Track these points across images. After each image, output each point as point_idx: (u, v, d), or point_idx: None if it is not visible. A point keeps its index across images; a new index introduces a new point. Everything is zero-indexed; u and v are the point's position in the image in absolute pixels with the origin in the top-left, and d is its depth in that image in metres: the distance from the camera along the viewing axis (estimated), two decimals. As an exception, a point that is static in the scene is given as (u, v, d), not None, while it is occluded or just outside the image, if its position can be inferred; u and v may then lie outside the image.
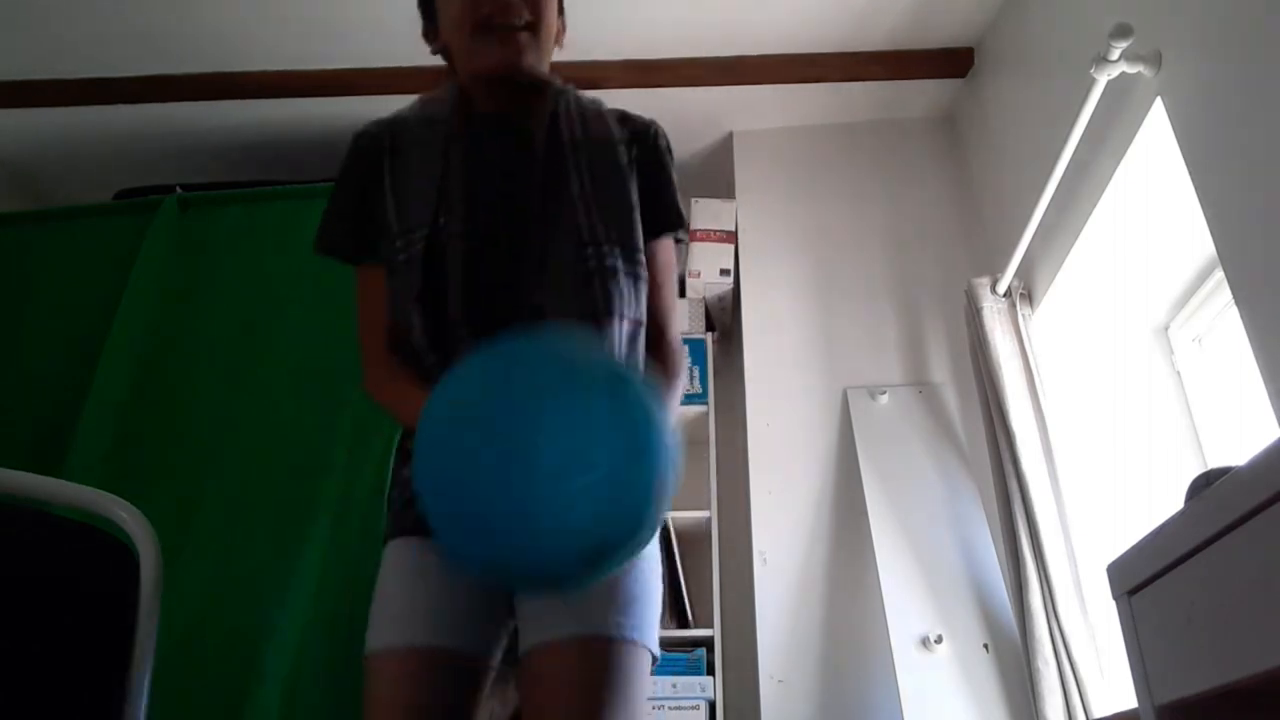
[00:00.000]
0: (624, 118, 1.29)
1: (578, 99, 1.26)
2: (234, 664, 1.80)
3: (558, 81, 1.25)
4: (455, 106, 1.19)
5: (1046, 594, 2.00)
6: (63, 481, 1.15)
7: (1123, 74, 1.79)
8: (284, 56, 2.66)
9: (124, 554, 1.04)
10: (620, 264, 1.12)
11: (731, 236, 2.88)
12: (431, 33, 1.25)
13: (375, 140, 1.23)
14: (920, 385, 2.58)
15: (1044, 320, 2.32)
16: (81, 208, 2.76)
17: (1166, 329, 2.24)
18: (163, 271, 2.41)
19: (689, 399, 2.66)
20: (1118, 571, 1.09)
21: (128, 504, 1.09)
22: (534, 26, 1.14)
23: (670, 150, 1.28)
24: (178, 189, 2.62)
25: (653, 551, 1.08)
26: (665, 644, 2.45)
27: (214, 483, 2.06)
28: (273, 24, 2.53)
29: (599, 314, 1.09)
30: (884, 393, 2.54)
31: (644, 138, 1.26)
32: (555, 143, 1.18)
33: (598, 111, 1.28)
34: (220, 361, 2.24)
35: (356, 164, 1.22)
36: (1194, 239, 1.90)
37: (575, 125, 1.21)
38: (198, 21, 2.55)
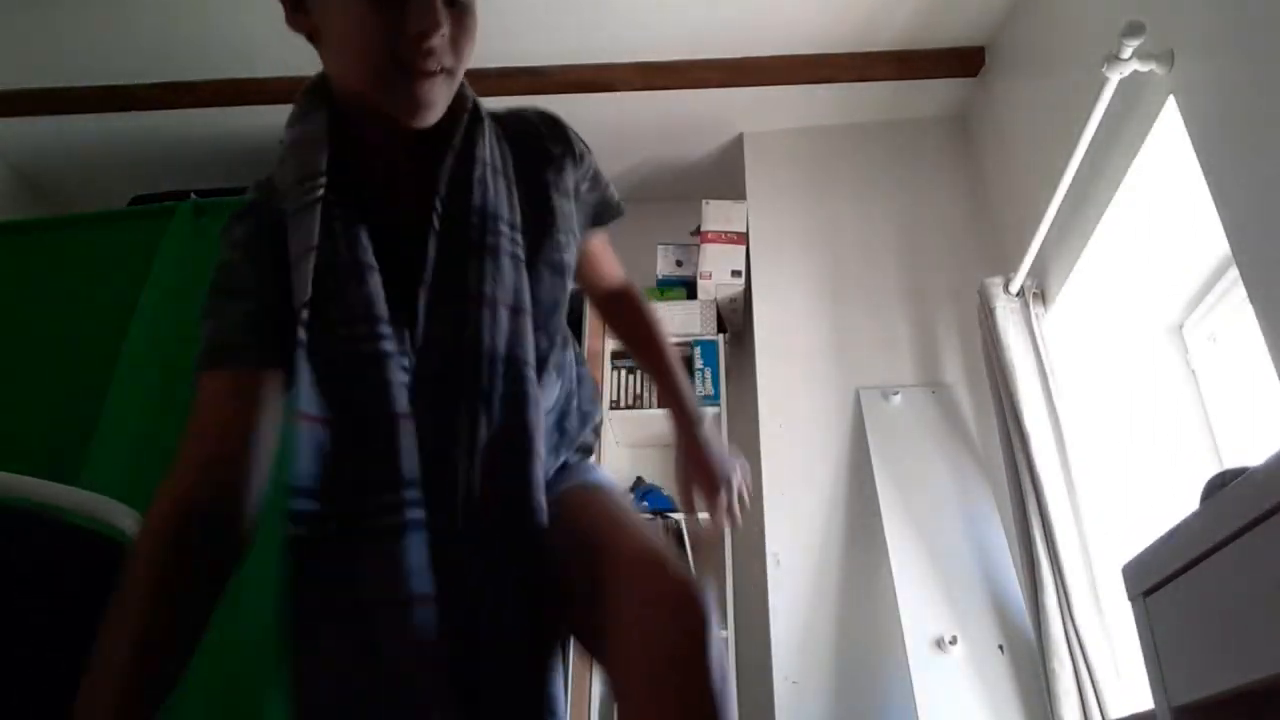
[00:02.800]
0: (543, 138, 1.04)
1: (494, 136, 1.02)
2: (249, 668, 1.81)
3: (466, 106, 0.99)
4: (330, 154, 0.92)
5: (1061, 595, 1.99)
6: (70, 488, 1.15)
7: (1135, 72, 1.79)
8: (297, 63, 2.67)
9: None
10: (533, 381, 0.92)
11: (742, 238, 2.88)
12: (298, 18, 0.97)
13: (255, 230, 0.94)
14: (933, 385, 2.57)
15: (1057, 319, 2.31)
16: (97, 214, 2.78)
17: (1181, 327, 2.23)
18: (178, 277, 2.42)
19: (702, 400, 2.66)
20: (1133, 572, 1.09)
21: (133, 511, 1.09)
22: (453, 72, 0.90)
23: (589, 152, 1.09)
24: (192, 195, 2.64)
25: None
26: (679, 645, 2.44)
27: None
28: (285, 32, 2.55)
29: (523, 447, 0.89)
30: (897, 393, 2.54)
31: (577, 159, 1.04)
32: (462, 219, 0.92)
33: (522, 142, 1.03)
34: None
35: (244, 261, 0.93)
36: (1208, 237, 1.90)
37: (489, 186, 0.95)
38: (211, 30, 2.58)
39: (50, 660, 0.86)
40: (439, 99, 0.89)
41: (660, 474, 2.76)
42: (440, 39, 0.85)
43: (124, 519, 1.09)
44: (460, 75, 0.93)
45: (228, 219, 0.96)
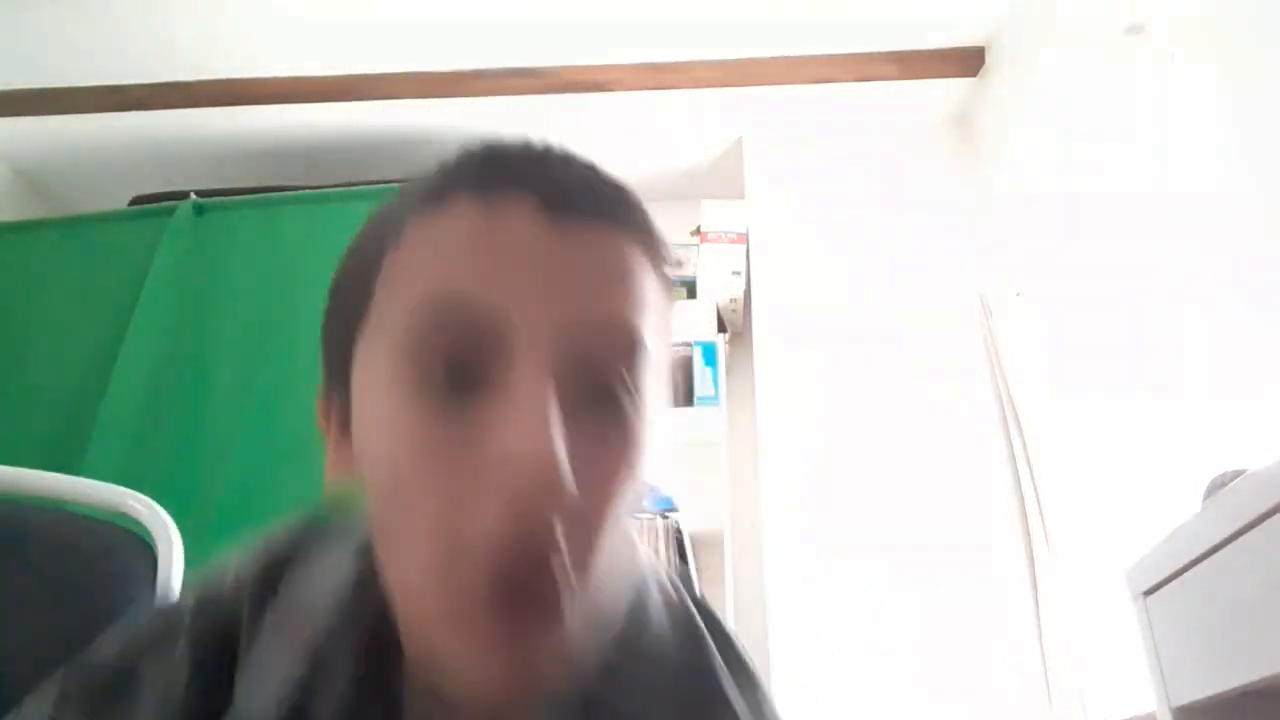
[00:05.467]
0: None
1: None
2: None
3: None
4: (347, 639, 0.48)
5: (1062, 595, 1.99)
6: (79, 478, 1.16)
7: (1135, 72, 1.79)
8: (297, 62, 2.67)
9: (141, 547, 1.01)
10: None
11: (742, 238, 2.88)
12: (337, 414, 0.51)
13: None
14: (933, 385, 2.57)
15: (1057, 320, 2.31)
16: (97, 214, 2.78)
17: (1182, 327, 2.23)
18: (178, 277, 2.42)
19: (702, 400, 2.66)
20: (1134, 572, 1.09)
21: (144, 497, 1.08)
22: (579, 581, 0.42)
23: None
24: (192, 195, 2.64)
25: None
26: (679, 646, 2.44)
27: (228, 486, 2.07)
28: (285, 30, 2.55)
29: None
30: (896, 393, 2.54)
31: None
32: None
33: None
34: (235, 365, 2.26)
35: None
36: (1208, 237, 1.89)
37: None
38: (211, 28, 2.57)
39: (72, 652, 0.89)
40: (535, 662, 0.41)
41: (660, 474, 2.75)
42: (554, 495, 0.39)
43: (135, 504, 1.09)
44: (594, 586, 0.42)
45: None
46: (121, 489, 1.12)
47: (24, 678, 0.91)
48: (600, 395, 0.42)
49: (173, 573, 1.01)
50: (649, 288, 0.46)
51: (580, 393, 0.42)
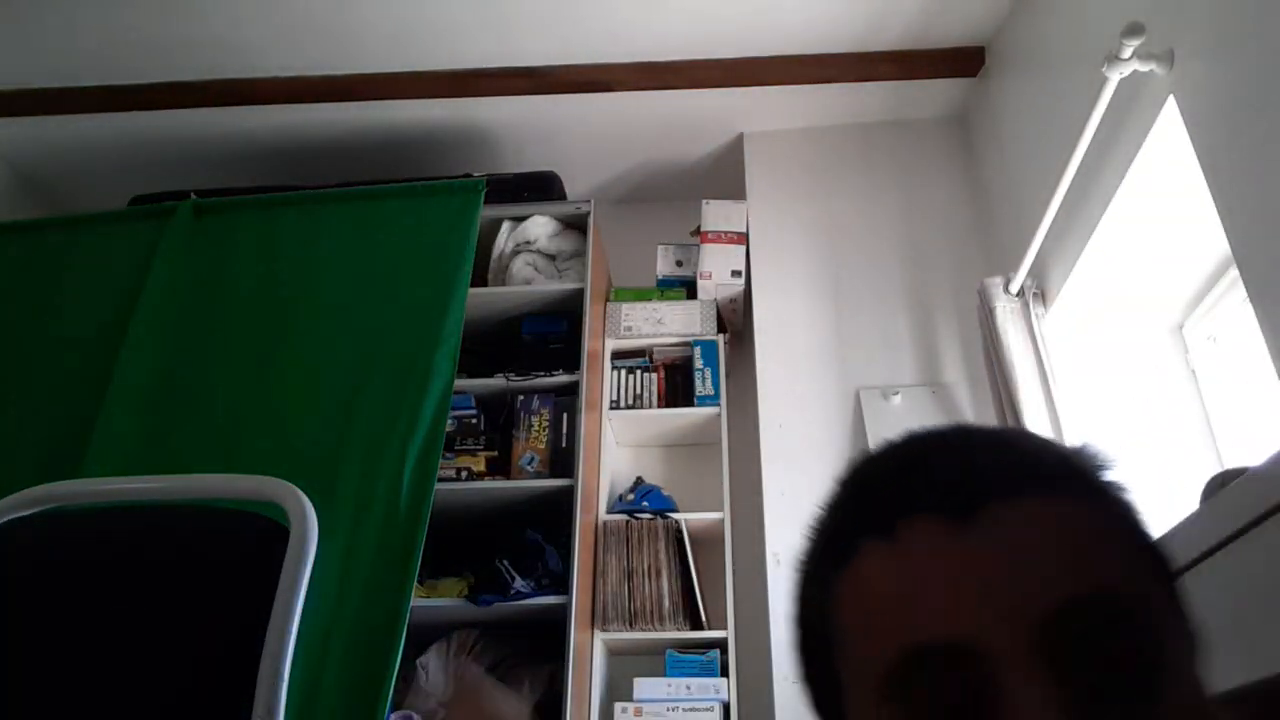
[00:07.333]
0: None
1: None
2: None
3: None
4: None
5: (1062, 595, 1.99)
6: (219, 475, 1.27)
7: (1134, 72, 1.79)
8: (297, 63, 2.68)
9: (274, 528, 1.08)
10: None
11: (742, 238, 2.88)
12: None
13: None
14: (933, 385, 2.57)
15: (1057, 319, 2.31)
16: (97, 214, 2.78)
17: (1181, 327, 2.23)
18: (178, 277, 2.42)
19: (702, 400, 2.66)
20: (1133, 572, 1.09)
21: (280, 480, 1.12)
22: None
23: None
24: (192, 195, 2.64)
25: None
26: (679, 646, 2.46)
27: (230, 486, 2.07)
28: (286, 31, 2.55)
29: None
30: (897, 393, 2.54)
31: None
32: None
33: None
34: (235, 366, 2.25)
35: None
36: (1208, 237, 1.89)
37: None
38: (211, 29, 2.58)
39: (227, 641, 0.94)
40: None
41: (660, 474, 2.76)
42: None
43: (274, 489, 1.13)
44: None
45: None
46: (259, 477, 1.16)
47: (194, 648, 1.00)
48: (1122, 683, 0.37)
49: (308, 540, 1.07)
50: (1106, 541, 0.43)
51: (1100, 688, 0.37)
